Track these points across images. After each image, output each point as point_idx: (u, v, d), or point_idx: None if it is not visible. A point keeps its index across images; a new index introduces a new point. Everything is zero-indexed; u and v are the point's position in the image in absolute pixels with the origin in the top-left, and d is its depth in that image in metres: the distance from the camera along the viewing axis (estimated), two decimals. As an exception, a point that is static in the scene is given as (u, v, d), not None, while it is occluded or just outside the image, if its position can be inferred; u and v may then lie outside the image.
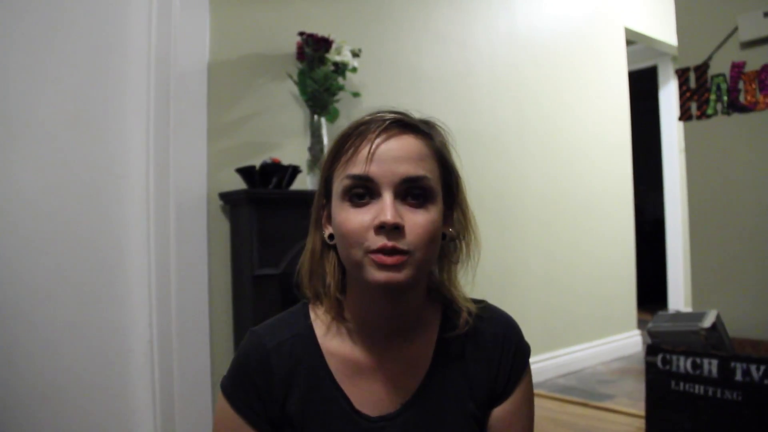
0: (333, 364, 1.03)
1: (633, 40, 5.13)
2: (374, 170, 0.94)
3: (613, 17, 4.81)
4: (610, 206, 4.68)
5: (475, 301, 1.11)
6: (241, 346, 1.06)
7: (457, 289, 1.09)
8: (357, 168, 0.95)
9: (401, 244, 0.93)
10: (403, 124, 1.00)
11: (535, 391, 3.33)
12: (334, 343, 1.04)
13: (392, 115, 1.00)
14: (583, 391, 3.68)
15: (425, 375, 1.05)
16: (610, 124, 4.74)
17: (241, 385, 1.02)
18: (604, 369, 4.23)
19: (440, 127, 1.07)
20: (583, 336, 4.36)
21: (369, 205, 0.95)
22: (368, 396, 1.03)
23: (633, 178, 4.94)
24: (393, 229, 0.92)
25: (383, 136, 0.97)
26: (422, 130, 1.02)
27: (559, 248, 4.25)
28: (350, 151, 0.98)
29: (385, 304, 1.01)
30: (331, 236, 1.03)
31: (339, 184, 0.98)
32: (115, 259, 2.47)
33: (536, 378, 3.85)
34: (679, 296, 5.46)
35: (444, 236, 1.05)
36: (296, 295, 1.10)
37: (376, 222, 0.92)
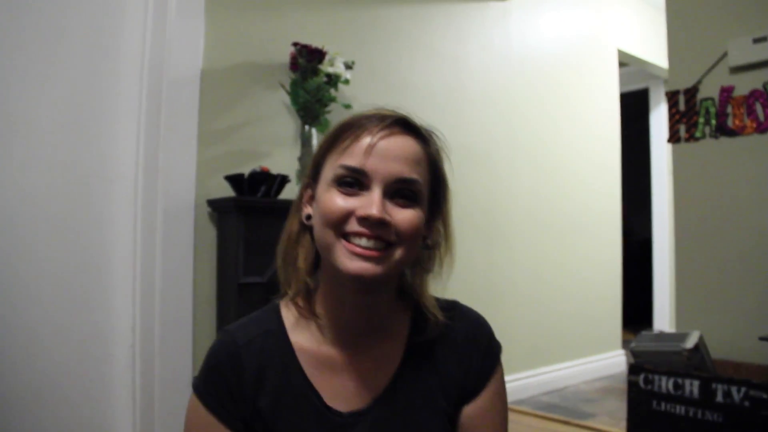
0: (303, 360, 1.03)
1: (625, 62, 5.17)
2: (370, 164, 0.96)
3: (606, 39, 4.86)
4: (598, 226, 4.70)
5: (447, 302, 1.13)
6: (212, 344, 1.06)
7: (426, 297, 1.09)
8: (353, 160, 0.97)
9: (386, 235, 0.95)
10: (405, 125, 1.03)
11: (519, 407, 3.34)
12: (304, 338, 1.05)
13: (395, 114, 1.03)
14: (565, 409, 3.68)
15: (396, 372, 1.06)
16: (600, 144, 4.77)
17: (212, 384, 1.02)
18: (587, 388, 4.23)
19: (439, 136, 1.10)
20: (567, 354, 4.36)
21: (357, 195, 0.97)
22: (339, 391, 1.03)
23: (622, 199, 4.97)
24: (376, 225, 0.94)
25: (384, 132, 0.99)
26: (422, 134, 1.05)
27: (546, 266, 4.27)
28: (348, 140, 0.99)
29: (355, 298, 1.02)
30: (308, 217, 1.05)
31: (331, 171, 0.99)
32: (101, 263, 2.47)
33: (520, 395, 3.86)
34: (664, 317, 5.47)
35: (423, 243, 1.06)
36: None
37: (362, 213, 0.94)
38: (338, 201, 0.96)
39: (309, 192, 1.07)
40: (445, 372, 1.08)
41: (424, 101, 3.58)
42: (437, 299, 1.11)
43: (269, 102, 2.88)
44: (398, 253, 0.97)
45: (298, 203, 1.09)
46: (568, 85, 4.53)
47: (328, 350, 1.04)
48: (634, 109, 5.90)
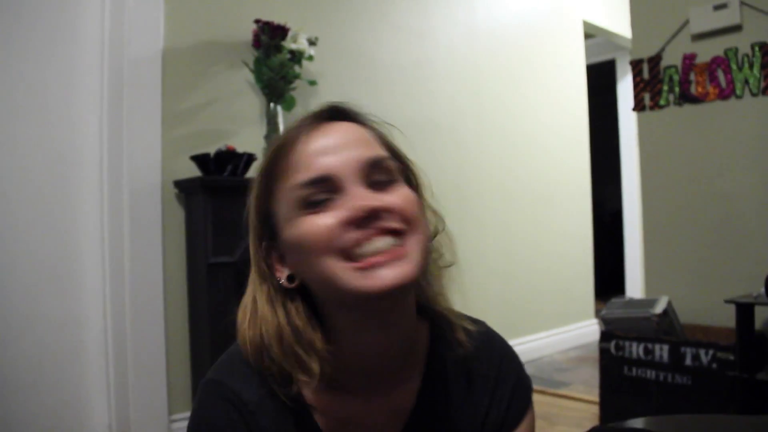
0: (318, 420, 0.87)
1: (592, 33, 5.18)
2: (327, 165, 0.79)
3: (571, 10, 4.86)
4: (569, 197, 4.73)
5: (473, 323, 0.96)
6: (206, 402, 0.86)
7: (448, 304, 0.94)
8: (306, 172, 0.79)
9: (390, 222, 0.78)
10: (337, 112, 0.87)
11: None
12: (315, 394, 0.87)
13: (320, 110, 0.87)
14: (540, 378, 3.72)
15: (407, 421, 0.90)
16: (569, 116, 4.78)
17: None
18: (561, 357, 4.28)
19: (377, 119, 0.91)
20: (541, 325, 4.40)
21: (333, 207, 0.78)
22: None
23: (592, 171, 5.00)
24: (373, 217, 0.77)
25: (323, 129, 0.83)
26: (359, 118, 0.89)
27: (517, 238, 4.29)
28: (288, 158, 0.81)
29: (376, 330, 0.83)
30: (290, 278, 0.83)
31: (287, 204, 0.80)
32: (68, 249, 2.44)
33: (494, 367, 3.88)
34: (636, 286, 5.53)
35: None
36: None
37: (349, 214, 0.76)
38: (316, 221, 0.77)
39: (274, 255, 0.85)
40: (465, 413, 0.91)
41: (390, 76, 3.56)
42: (459, 334, 0.92)
43: (233, 80, 2.85)
44: (415, 238, 0.78)
45: (260, 277, 0.86)
46: (535, 57, 4.53)
47: (340, 405, 0.87)
48: (601, 81, 5.92)
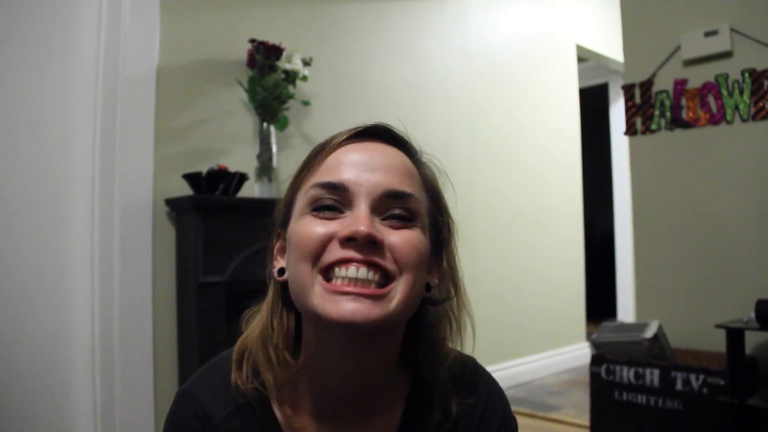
0: None
1: (584, 57, 5.22)
2: (348, 177, 0.76)
3: (564, 35, 4.90)
4: (560, 220, 4.75)
5: (462, 360, 0.92)
6: (175, 413, 0.84)
7: (438, 372, 0.86)
8: (329, 174, 0.77)
9: (380, 259, 0.74)
10: (386, 133, 0.83)
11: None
12: (289, 416, 0.83)
13: (381, 126, 0.84)
14: (531, 402, 3.71)
15: None
16: (561, 139, 4.81)
17: None
18: (552, 381, 4.26)
19: (434, 161, 0.89)
20: (532, 348, 4.39)
21: (338, 219, 0.76)
22: None
23: (584, 194, 5.01)
24: (366, 245, 0.73)
25: (361, 140, 0.81)
26: (411, 148, 0.85)
27: (508, 261, 4.29)
28: (317, 158, 0.81)
29: (342, 359, 0.79)
30: (280, 271, 0.83)
31: (303, 199, 0.79)
32: (58, 264, 2.42)
33: (485, 389, 3.86)
34: (628, 309, 5.53)
35: (428, 287, 0.83)
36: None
37: (345, 232, 0.73)
38: (314, 226, 0.75)
39: (281, 242, 0.85)
40: None
41: (384, 98, 3.58)
42: (443, 370, 0.87)
43: (227, 99, 2.85)
44: (401, 287, 0.74)
45: (270, 260, 0.86)
46: (528, 80, 4.56)
47: (317, 428, 0.83)
48: (594, 104, 5.96)
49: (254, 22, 2.96)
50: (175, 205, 2.58)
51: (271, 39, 2.86)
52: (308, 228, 0.75)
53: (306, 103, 3.00)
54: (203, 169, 2.61)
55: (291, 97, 2.85)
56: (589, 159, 5.37)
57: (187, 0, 2.77)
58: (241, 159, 2.83)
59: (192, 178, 2.53)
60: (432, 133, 3.82)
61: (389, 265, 0.73)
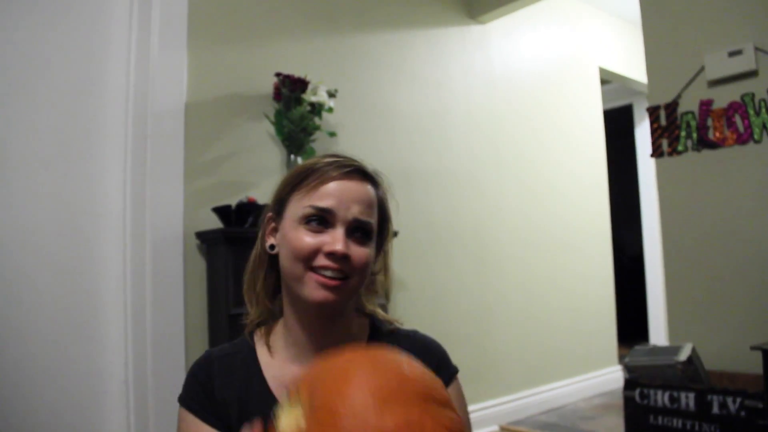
0: (267, 376, 1.17)
1: (608, 79, 5.23)
2: (335, 205, 1.11)
3: (587, 57, 4.91)
4: (588, 243, 4.72)
5: (407, 330, 1.27)
6: (194, 363, 1.21)
7: (375, 311, 1.27)
8: (322, 201, 1.11)
9: (346, 267, 1.10)
10: (363, 173, 1.17)
11: (517, 428, 3.32)
12: (269, 358, 1.19)
13: (353, 163, 1.17)
14: (564, 427, 3.67)
15: None
16: (587, 162, 4.80)
17: (191, 389, 1.17)
18: (585, 405, 4.22)
19: (385, 180, 1.23)
20: (564, 372, 4.35)
21: (322, 232, 1.11)
22: None
23: (611, 215, 4.99)
24: (341, 259, 1.09)
25: (347, 179, 1.14)
26: (375, 181, 1.20)
27: (538, 285, 4.27)
28: (313, 183, 1.13)
29: (318, 322, 1.16)
30: (271, 246, 1.19)
31: (298, 209, 1.13)
32: (91, 299, 2.46)
33: (518, 415, 3.84)
34: (660, 331, 5.47)
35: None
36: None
37: (330, 248, 1.09)
38: (307, 239, 1.10)
39: (272, 225, 1.20)
40: None
41: (409, 126, 3.60)
42: (399, 327, 1.27)
43: (254, 132, 2.89)
44: (352, 282, 1.12)
45: (262, 234, 1.21)
46: (552, 104, 4.57)
47: (290, 367, 1.17)
48: (619, 126, 5.94)
49: (279, 56, 3.01)
50: (205, 237, 2.61)
51: (297, 72, 2.91)
52: (303, 239, 1.10)
53: (332, 134, 3.03)
54: (232, 202, 2.64)
55: (317, 128, 2.88)
56: (616, 180, 5.34)
57: (213, 36, 2.82)
58: (269, 191, 2.85)
59: (221, 211, 2.56)
60: (457, 159, 3.84)
61: (348, 271, 1.11)
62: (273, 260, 1.20)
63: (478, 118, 4.02)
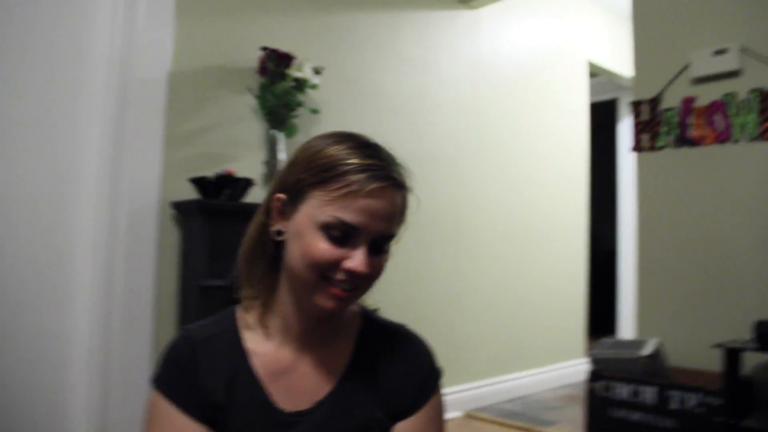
0: (255, 361, 1.10)
1: (595, 72, 5.24)
2: (362, 222, 1.01)
3: (576, 50, 4.92)
4: (564, 235, 4.75)
5: (395, 324, 1.22)
6: (171, 340, 1.12)
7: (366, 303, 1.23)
8: (349, 216, 1.01)
9: (360, 280, 1.05)
10: (397, 184, 1.06)
11: (481, 414, 3.38)
12: (257, 340, 1.11)
13: (390, 175, 1.05)
14: (527, 417, 3.71)
15: (340, 378, 1.12)
16: (569, 154, 4.82)
17: (171, 375, 1.08)
18: (550, 395, 4.26)
19: (410, 175, 1.12)
20: (531, 362, 4.39)
21: (344, 245, 1.02)
22: (286, 392, 1.09)
23: (591, 209, 5.02)
24: (360, 277, 1.03)
25: (381, 195, 1.03)
26: (405, 187, 1.09)
27: (510, 274, 4.30)
28: (343, 191, 1.01)
29: (318, 317, 1.09)
30: (278, 232, 1.09)
31: (321, 213, 1.02)
32: (61, 263, 2.45)
33: (482, 402, 3.87)
34: (629, 326, 5.52)
35: None
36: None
37: (351, 266, 1.01)
38: (328, 250, 1.01)
39: (282, 209, 1.09)
40: (385, 385, 1.14)
41: (393, 107, 3.60)
42: (387, 320, 1.22)
43: (237, 106, 2.87)
44: (364, 290, 1.08)
45: (267, 212, 1.11)
46: (538, 95, 4.57)
47: (279, 353, 1.11)
48: (603, 119, 5.96)
49: (266, 30, 2.99)
50: (180, 208, 2.60)
51: (283, 47, 2.89)
52: (323, 250, 1.01)
53: (315, 111, 3.02)
54: (210, 173, 2.63)
55: (300, 104, 2.87)
56: (596, 174, 5.37)
57: (201, 7, 2.79)
58: (248, 164, 2.85)
59: (199, 182, 2.55)
60: (439, 143, 3.84)
61: (363, 285, 1.07)
62: (276, 243, 1.10)
63: (462, 104, 4.02)
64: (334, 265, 1.01)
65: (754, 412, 2.29)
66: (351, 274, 1.02)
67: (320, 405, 1.10)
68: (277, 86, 2.80)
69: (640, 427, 2.43)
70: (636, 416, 2.45)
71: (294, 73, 2.85)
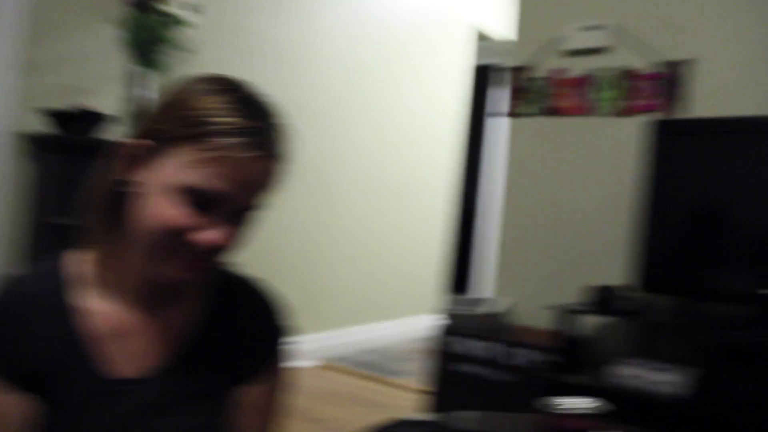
0: (83, 322, 0.95)
1: (478, 37, 5.29)
2: (230, 191, 0.87)
3: (461, 14, 4.97)
4: (429, 194, 4.87)
5: (249, 281, 1.10)
6: (3, 289, 0.96)
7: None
8: (216, 183, 0.85)
9: (214, 255, 0.93)
10: (275, 154, 0.93)
11: (334, 363, 3.38)
12: (90, 299, 0.96)
13: (264, 141, 0.90)
14: (377, 366, 3.80)
15: (184, 342, 1.01)
16: (443, 115, 4.92)
17: None
18: (403, 348, 4.38)
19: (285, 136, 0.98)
20: (389, 314, 4.50)
21: (204, 212, 0.88)
22: (120, 357, 0.96)
23: (459, 171, 5.12)
24: (219, 248, 0.91)
25: (252, 163, 0.88)
26: (284, 157, 0.96)
27: (374, 228, 4.36)
28: (209, 154, 0.85)
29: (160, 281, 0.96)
30: (128, 182, 0.91)
31: (181, 172, 0.86)
32: None
33: (338, 351, 3.92)
34: (488, 285, 5.70)
35: None
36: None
37: (209, 238, 0.88)
38: (184, 217, 0.86)
39: (136, 154, 0.91)
40: (229, 348, 1.04)
41: (271, 53, 3.54)
42: (240, 272, 1.10)
43: (102, 37, 2.72)
44: (219, 260, 0.95)
45: (121, 158, 0.92)
46: (419, 55, 4.61)
47: (116, 312, 0.96)
48: (481, 83, 6.06)
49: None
50: (35, 141, 2.48)
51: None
52: (178, 215, 0.86)
53: (186, 50, 2.87)
54: (67, 105, 2.49)
55: (170, 40, 2.75)
56: (470, 137, 5.47)
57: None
58: (107, 99, 2.73)
59: (54, 115, 2.43)
60: (313, 93, 3.81)
61: (218, 257, 0.93)
62: (124, 194, 0.92)
63: (343, 56, 3.99)
64: (188, 233, 0.87)
65: (584, 369, 2.42)
66: (207, 245, 0.88)
67: (155, 372, 0.98)
68: (145, 19, 2.66)
69: (479, 380, 2.53)
70: (476, 370, 2.55)
71: (164, 7, 2.72)
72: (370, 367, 3.78)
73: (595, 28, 2.81)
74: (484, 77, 6.00)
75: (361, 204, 4.23)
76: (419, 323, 4.72)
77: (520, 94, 3.00)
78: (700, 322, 2.30)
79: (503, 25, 5.17)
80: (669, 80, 2.65)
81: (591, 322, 2.62)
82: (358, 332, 4.17)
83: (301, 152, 3.82)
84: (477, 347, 2.57)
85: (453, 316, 2.71)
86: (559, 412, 1.15)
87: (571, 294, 2.66)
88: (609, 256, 2.71)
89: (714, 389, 2.19)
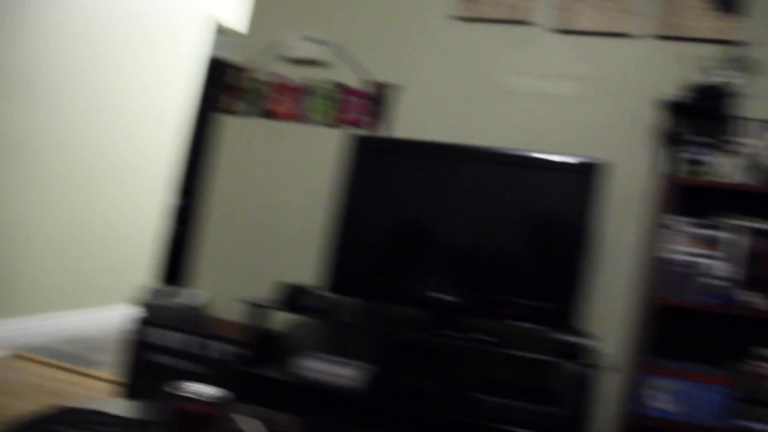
0: None
1: (218, 30, 5.28)
2: None
3: (201, 3, 4.93)
4: (147, 183, 4.77)
5: None
6: None
7: None
8: None
9: None
10: None
11: (26, 353, 3.17)
12: None
13: None
14: (74, 356, 3.65)
15: None
16: (169, 104, 4.83)
17: None
18: (107, 337, 4.23)
19: None
20: (92, 302, 4.34)
21: None
22: None
23: (184, 163, 5.06)
24: None
25: None
26: None
27: (83, 211, 4.18)
28: None
29: None
30: None
31: None
32: None
33: (35, 340, 3.71)
34: (194, 278, 5.69)
35: None
36: None
37: None
38: None
39: None
40: None
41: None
42: None
43: None
44: None
45: None
46: (153, 38, 4.50)
47: None
48: (216, 77, 6.04)
49: None
50: None
51: None
52: None
53: None
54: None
55: None
56: (195, 130, 5.43)
57: None
58: None
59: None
60: (29, 58, 3.56)
61: None
62: None
63: (75, 26, 3.79)
64: None
65: (273, 363, 2.55)
66: None
67: None
68: None
69: (174, 372, 2.55)
70: (171, 361, 2.56)
71: None
72: (67, 357, 3.61)
73: (318, 41, 2.97)
74: (221, 70, 6.01)
75: (72, 184, 4.02)
76: (122, 313, 4.62)
77: (239, 92, 3.07)
78: (381, 322, 2.53)
79: (242, 21, 5.25)
80: (375, 100, 2.88)
81: (283, 318, 2.78)
82: (56, 320, 3.97)
83: (3, 121, 3.56)
84: (172, 338, 2.59)
85: (150, 307, 2.70)
86: (184, 395, 1.22)
87: (266, 289, 2.81)
88: (305, 257, 2.90)
89: (388, 383, 2.44)
